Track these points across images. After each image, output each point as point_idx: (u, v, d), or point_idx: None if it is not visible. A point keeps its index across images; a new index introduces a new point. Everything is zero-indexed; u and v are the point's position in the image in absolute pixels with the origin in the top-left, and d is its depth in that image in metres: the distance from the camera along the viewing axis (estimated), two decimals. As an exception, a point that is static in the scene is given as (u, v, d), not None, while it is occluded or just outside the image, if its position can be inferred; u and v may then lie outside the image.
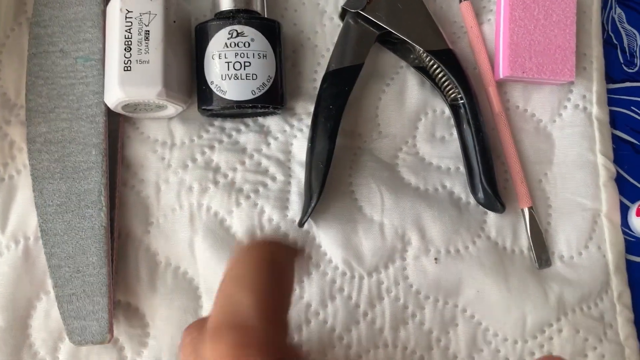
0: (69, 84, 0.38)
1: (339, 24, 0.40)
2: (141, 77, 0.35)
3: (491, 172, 0.37)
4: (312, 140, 0.36)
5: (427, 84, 0.40)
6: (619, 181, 0.40)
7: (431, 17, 0.39)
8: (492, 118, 0.39)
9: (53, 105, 0.37)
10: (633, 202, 0.40)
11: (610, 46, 0.42)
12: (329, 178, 0.38)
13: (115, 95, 0.35)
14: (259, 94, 0.37)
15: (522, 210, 0.38)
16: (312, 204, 0.36)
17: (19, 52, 0.39)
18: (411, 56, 0.40)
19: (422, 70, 0.39)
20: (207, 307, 0.37)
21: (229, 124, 0.39)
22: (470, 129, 0.37)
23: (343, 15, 0.40)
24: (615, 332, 0.38)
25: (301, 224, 0.37)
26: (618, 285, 0.38)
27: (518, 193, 0.38)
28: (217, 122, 0.39)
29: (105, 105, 0.37)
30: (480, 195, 0.37)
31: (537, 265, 0.38)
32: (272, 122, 0.39)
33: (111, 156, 0.38)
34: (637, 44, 0.42)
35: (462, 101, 0.38)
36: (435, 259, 0.37)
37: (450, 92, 0.38)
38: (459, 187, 0.39)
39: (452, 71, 0.37)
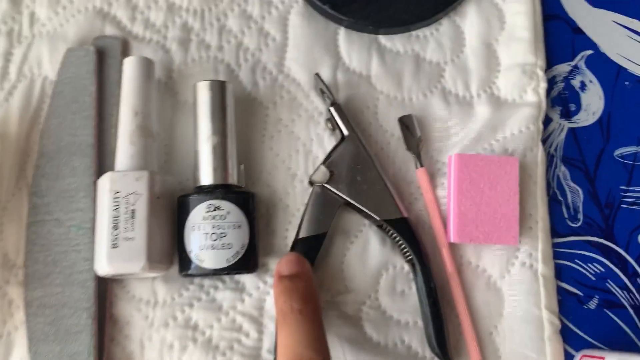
0: (63, 251, 0.42)
1: (308, 187, 0.45)
2: (126, 253, 0.39)
3: (441, 334, 0.41)
4: None
5: (388, 241, 0.44)
6: (565, 331, 0.44)
7: (388, 187, 0.43)
8: (446, 277, 0.43)
9: (48, 271, 0.42)
10: (578, 350, 0.44)
11: (555, 202, 0.46)
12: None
13: (103, 269, 0.40)
14: (233, 261, 0.41)
15: None
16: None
17: (19, 216, 0.43)
18: (372, 219, 0.44)
19: (383, 229, 0.44)
20: None
21: (207, 282, 0.43)
22: (423, 292, 0.41)
23: (312, 184, 0.44)
24: None
25: None
26: None
27: (469, 349, 0.42)
28: (197, 280, 0.43)
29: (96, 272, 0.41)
30: (436, 352, 0.41)
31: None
32: (247, 279, 0.43)
33: (100, 315, 0.42)
34: (580, 200, 0.47)
35: (415, 266, 0.42)
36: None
37: (406, 255, 0.43)
38: (416, 342, 0.43)
39: (406, 238, 0.42)
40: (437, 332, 0.41)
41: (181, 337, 0.42)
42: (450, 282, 0.43)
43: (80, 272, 0.41)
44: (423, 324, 0.42)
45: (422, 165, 0.45)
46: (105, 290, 0.42)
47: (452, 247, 0.44)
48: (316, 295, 0.38)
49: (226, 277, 0.44)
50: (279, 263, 0.39)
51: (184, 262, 0.41)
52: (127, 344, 0.42)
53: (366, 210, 0.43)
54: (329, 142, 0.45)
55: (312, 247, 0.42)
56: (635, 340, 0.44)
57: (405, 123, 0.45)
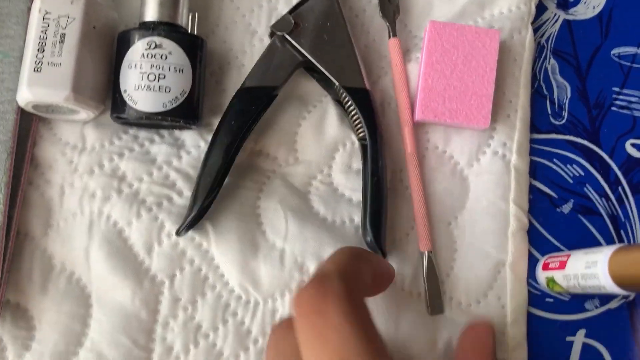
0: (-15, 78, 0.37)
1: (267, 42, 0.40)
2: (50, 79, 0.35)
3: (378, 217, 0.36)
4: (207, 153, 0.36)
5: (347, 119, 0.40)
6: (533, 233, 0.40)
7: (355, 53, 0.38)
8: (405, 158, 0.39)
9: (-35, 97, 0.37)
10: (544, 254, 0.40)
11: (540, 96, 0.42)
12: (236, 197, 0.38)
13: (23, 95, 0.35)
14: (170, 107, 0.36)
15: (422, 253, 0.38)
16: (191, 216, 0.35)
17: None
18: (332, 89, 0.39)
19: (340, 104, 0.39)
20: (96, 317, 0.36)
21: (143, 133, 0.39)
22: (368, 170, 0.37)
23: (272, 36, 0.40)
24: (505, 386, 0.37)
25: (178, 232, 0.36)
26: (514, 337, 0.37)
27: (419, 235, 0.38)
28: (132, 131, 0.39)
29: (18, 103, 0.37)
30: (368, 238, 0.37)
31: (429, 311, 0.37)
32: (188, 136, 0.39)
33: (20, 154, 0.38)
34: (567, 97, 0.42)
35: (366, 142, 0.37)
36: (329, 292, 0.37)
37: (359, 131, 0.38)
38: (366, 222, 0.38)
39: (362, 111, 0.37)
40: (373, 214, 0.36)
41: (105, 187, 0.38)
42: (408, 164, 0.39)
43: (1, 102, 0.37)
44: (362, 210, 0.38)
45: (395, 35, 0.40)
46: (29, 129, 0.38)
47: (419, 129, 0.40)
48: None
49: (164, 132, 0.39)
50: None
51: (116, 102, 0.37)
52: (47, 189, 0.38)
53: (326, 73, 0.38)
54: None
55: (256, 100, 0.37)
56: (608, 250, 0.40)
57: None
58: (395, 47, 0.40)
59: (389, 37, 0.40)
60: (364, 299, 0.28)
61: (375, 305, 0.37)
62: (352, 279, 0.28)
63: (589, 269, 0.33)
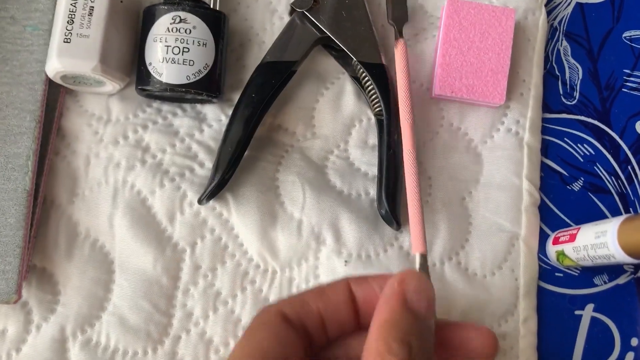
0: (15, 50, 0.39)
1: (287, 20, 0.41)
2: (79, 50, 0.36)
3: (394, 188, 0.37)
4: (229, 125, 0.37)
5: (363, 96, 0.41)
6: (543, 209, 0.41)
7: (372, 29, 0.39)
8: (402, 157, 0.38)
9: (-4, 68, 0.38)
10: (554, 230, 0.40)
11: (552, 77, 0.43)
12: (256, 170, 0.39)
13: (52, 65, 0.36)
14: (194, 79, 0.38)
15: (415, 256, 0.35)
16: (212, 185, 0.36)
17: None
18: (349, 66, 0.40)
19: (357, 81, 0.40)
20: (119, 282, 0.38)
21: (166, 107, 0.40)
22: (384, 143, 0.38)
23: (292, 13, 0.41)
24: (516, 355, 0.38)
25: (199, 201, 0.37)
26: (525, 309, 0.38)
27: (413, 237, 0.35)
28: (156, 104, 0.40)
29: (46, 74, 0.38)
30: (383, 210, 0.38)
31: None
32: (209, 110, 0.40)
33: (47, 125, 0.39)
34: (578, 78, 0.43)
35: (383, 116, 0.38)
36: (346, 261, 0.38)
37: (376, 105, 0.39)
38: (382, 195, 0.39)
39: (379, 86, 0.38)
40: (388, 187, 0.37)
41: (129, 157, 0.39)
42: (405, 162, 0.37)
43: (30, 73, 0.38)
44: (377, 184, 0.39)
45: (401, 37, 0.40)
46: (57, 101, 0.39)
47: (434, 105, 0.41)
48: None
49: (187, 106, 0.40)
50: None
51: (141, 74, 0.38)
52: (73, 159, 0.39)
53: (344, 48, 0.39)
54: (318, -18, 0.42)
55: (276, 74, 0.38)
56: (618, 227, 0.41)
57: None
58: (401, 50, 0.40)
59: (395, 37, 0.41)
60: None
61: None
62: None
63: (598, 239, 0.34)
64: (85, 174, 0.39)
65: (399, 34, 0.40)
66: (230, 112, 0.40)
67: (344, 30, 0.39)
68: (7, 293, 0.36)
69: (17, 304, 0.37)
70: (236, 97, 0.40)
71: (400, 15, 0.40)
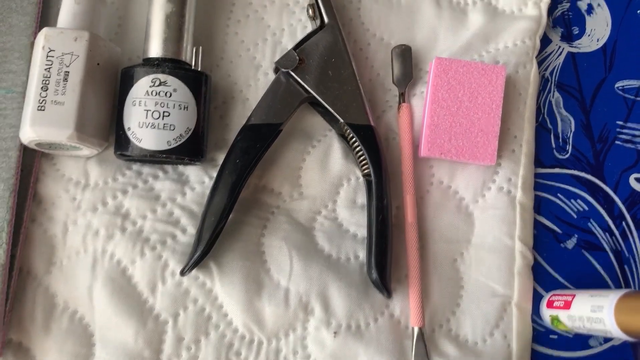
0: (-13, 114, 0.37)
1: (272, 77, 0.40)
2: (53, 118, 0.35)
3: (384, 257, 0.36)
4: (211, 192, 0.36)
5: (351, 154, 0.40)
6: (537, 269, 0.40)
7: (360, 89, 0.38)
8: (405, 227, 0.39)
9: (-33, 134, 0.37)
10: (548, 291, 0.39)
11: (544, 130, 0.42)
12: (241, 235, 0.38)
13: (26, 134, 0.35)
14: (175, 145, 0.36)
15: (413, 329, 0.37)
16: (196, 256, 0.35)
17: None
18: (336, 124, 0.39)
19: (345, 139, 0.39)
20: (99, 356, 0.36)
21: (147, 169, 0.39)
22: (373, 207, 0.36)
23: (277, 72, 0.39)
24: None
25: (182, 273, 0.36)
26: (519, 377, 0.37)
27: (412, 310, 0.37)
28: (136, 167, 0.39)
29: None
30: (373, 276, 0.36)
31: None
32: (192, 172, 0.39)
33: (23, 191, 0.37)
34: (571, 131, 0.42)
35: (371, 177, 0.37)
36: (335, 332, 0.37)
37: (364, 167, 0.38)
38: (371, 259, 0.38)
39: (367, 148, 0.37)
40: (378, 253, 0.36)
41: (109, 225, 0.37)
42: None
43: (4, 139, 0.37)
44: (367, 247, 0.38)
45: (405, 101, 0.40)
46: (32, 165, 0.38)
47: (424, 163, 0.40)
48: None
49: (169, 168, 0.39)
50: None
51: (120, 139, 0.37)
52: (50, 226, 0.37)
53: (330, 110, 0.38)
54: (302, 35, 0.40)
55: (261, 137, 0.37)
56: (612, 286, 0.40)
57: (401, 55, 0.40)
58: (405, 114, 0.39)
59: (399, 102, 0.40)
60: None
61: (379, 346, 0.37)
62: None
63: (595, 313, 0.33)
64: (63, 242, 0.37)
65: (403, 97, 0.39)
66: (213, 173, 0.39)
67: (331, 91, 0.38)
68: (-19, 374, 0.34)
69: (-8, 382, 0.35)
70: (220, 157, 0.39)
71: (405, 74, 0.40)
